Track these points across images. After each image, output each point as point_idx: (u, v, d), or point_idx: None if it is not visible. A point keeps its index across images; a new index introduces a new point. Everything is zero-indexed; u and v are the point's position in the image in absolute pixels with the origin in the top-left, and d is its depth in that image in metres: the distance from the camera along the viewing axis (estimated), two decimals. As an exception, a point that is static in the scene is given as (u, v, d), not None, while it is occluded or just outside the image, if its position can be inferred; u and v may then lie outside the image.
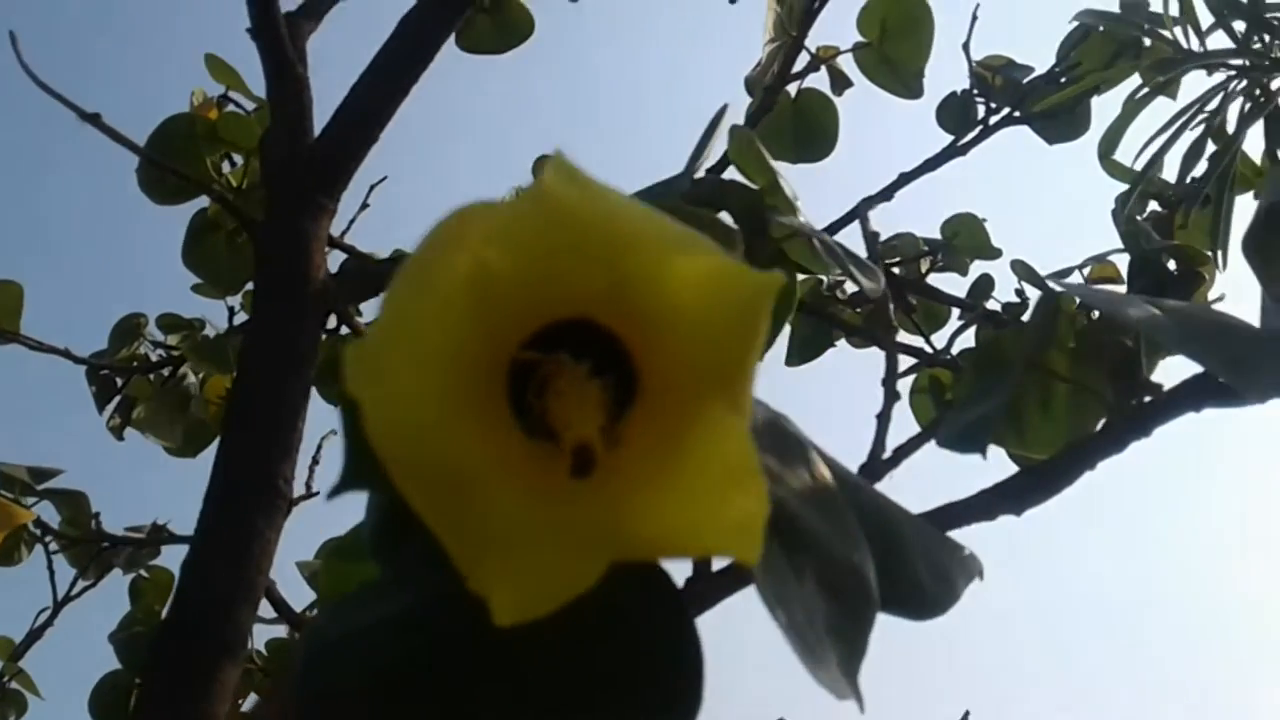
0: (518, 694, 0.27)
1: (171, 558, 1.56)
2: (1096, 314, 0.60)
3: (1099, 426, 0.64)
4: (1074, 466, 0.62)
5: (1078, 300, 0.61)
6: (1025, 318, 1.23)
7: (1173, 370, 0.63)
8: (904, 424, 0.83)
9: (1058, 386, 0.64)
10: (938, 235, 1.33)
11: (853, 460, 0.73)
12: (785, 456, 0.33)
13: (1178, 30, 0.99)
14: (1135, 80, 1.04)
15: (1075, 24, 1.22)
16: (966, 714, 1.13)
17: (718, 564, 0.64)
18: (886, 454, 0.73)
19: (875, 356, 1.35)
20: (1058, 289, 0.57)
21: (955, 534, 0.66)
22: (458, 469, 0.26)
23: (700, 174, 0.67)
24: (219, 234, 1.29)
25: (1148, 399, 0.61)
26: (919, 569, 0.36)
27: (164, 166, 1.15)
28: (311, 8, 1.13)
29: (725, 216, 0.70)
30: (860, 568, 0.32)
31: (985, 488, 0.65)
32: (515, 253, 0.26)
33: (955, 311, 1.32)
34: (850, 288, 1.38)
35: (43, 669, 1.69)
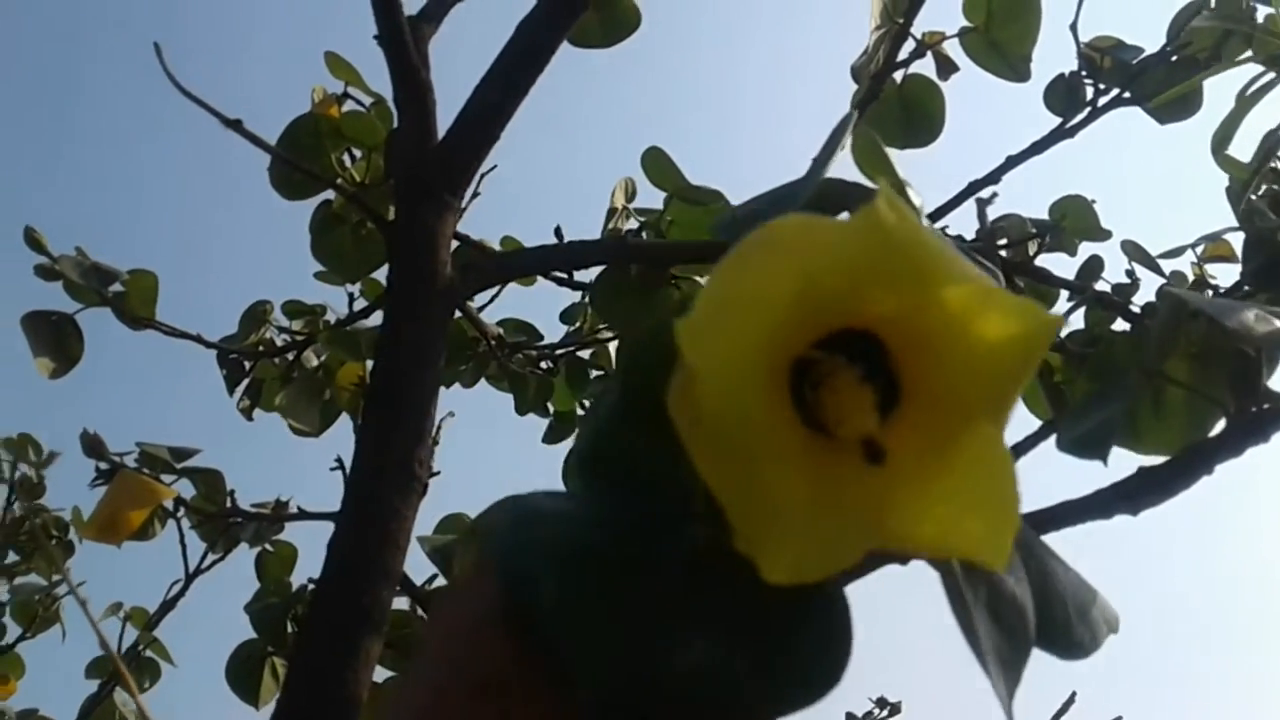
0: (680, 611, 0.30)
1: (294, 532, 1.64)
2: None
3: (1216, 430, 0.65)
4: (1192, 470, 0.63)
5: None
6: (1139, 308, 1.22)
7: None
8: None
9: (1174, 390, 0.65)
10: (1045, 216, 1.33)
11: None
12: None
13: None
14: (1248, 70, 1.03)
15: (1187, 1, 1.21)
16: (1072, 695, 1.15)
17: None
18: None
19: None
20: (1182, 296, 0.58)
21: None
22: (755, 440, 0.29)
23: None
24: (344, 226, 1.35)
25: (1266, 406, 0.62)
26: (1069, 610, 0.38)
27: (296, 166, 1.20)
28: (431, 11, 1.17)
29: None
30: (1022, 601, 0.34)
31: (1103, 487, 0.67)
32: (840, 268, 0.29)
33: (1064, 293, 1.31)
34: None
35: (173, 638, 1.78)
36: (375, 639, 0.90)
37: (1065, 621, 0.37)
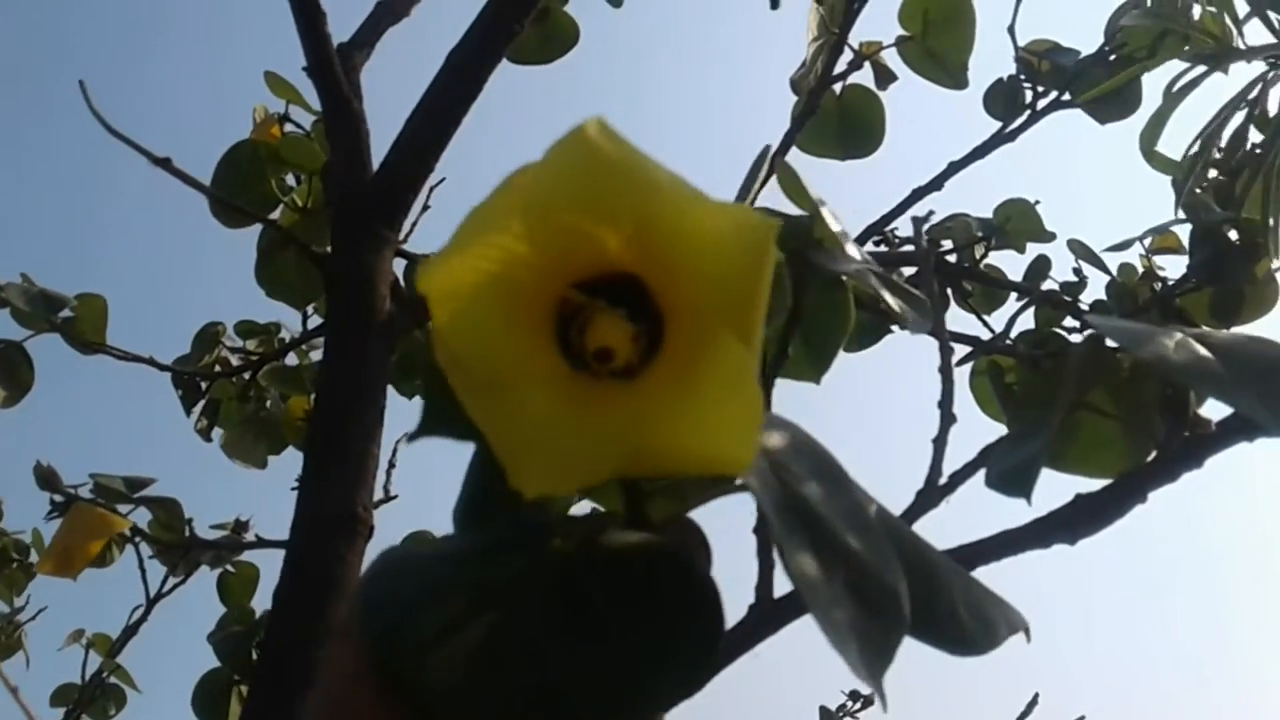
0: (555, 617, 0.31)
1: (255, 551, 1.63)
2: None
3: (1151, 456, 0.66)
4: (1125, 498, 0.63)
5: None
6: (1087, 305, 1.23)
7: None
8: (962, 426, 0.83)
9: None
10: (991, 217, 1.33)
11: (908, 483, 0.75)
12: (823, 479, 0.36)
13: (1213, 19, 0.98)
14: (1179, 65, 1.03)
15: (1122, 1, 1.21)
16: (1035, 696, 1.15)
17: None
18: (943, 479, 0.75)
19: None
20: (1099, 330, 0.58)
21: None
22: (503, 366, 0.30)
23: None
24: (288, 253, 1.33)
25: (1198, 431, 0.62)
26: (956, 605, 0.38)
27: (228, 203, 1.18)
28: (362, 38, 1.15)
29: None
30: (892, 586, 0.33)
31: (1039, 516, 0.67)
32: (560, 191, 0.30)
33: (1013, 294, 1.32)
34: (906, 271, 1.39)
35: (137, 664, 1.77)
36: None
37: (952, 615, 0.37)
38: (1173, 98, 0.99)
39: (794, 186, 0.72)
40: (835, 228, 0.69)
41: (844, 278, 0.71)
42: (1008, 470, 0.61)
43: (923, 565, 0.37)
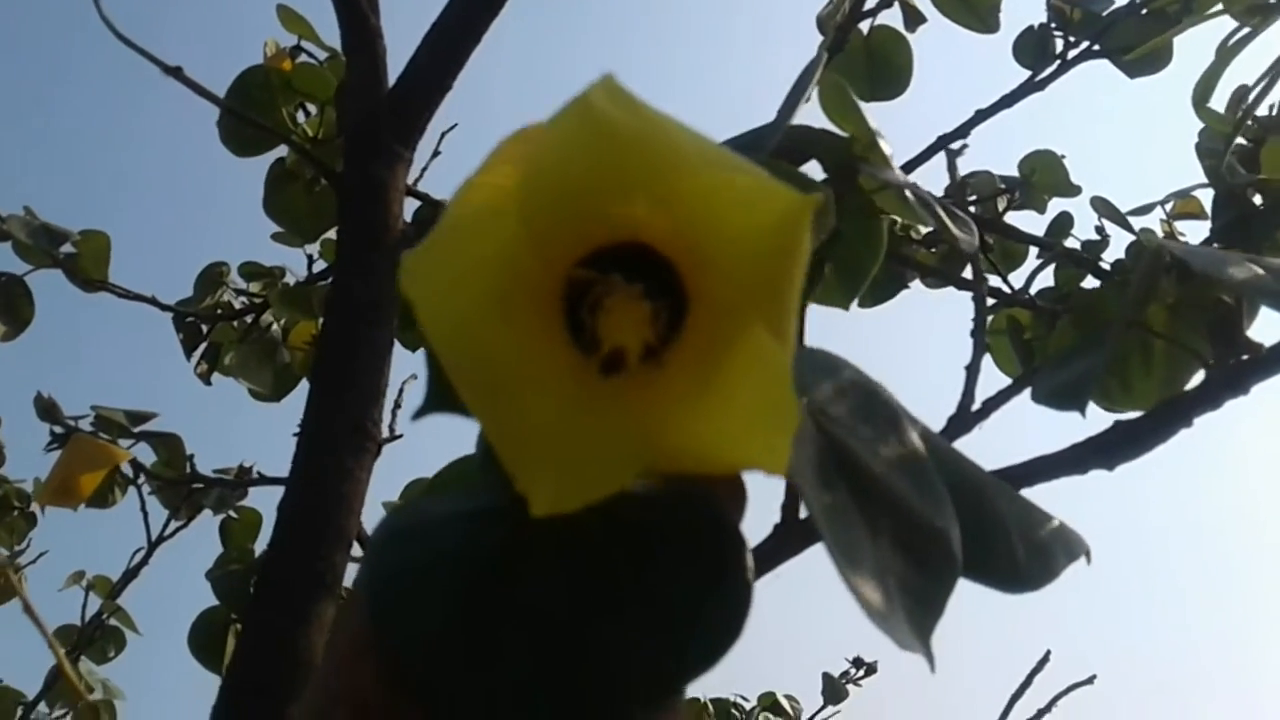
0: (567, 584, 0.28)
1: (258, 498, 1.61)
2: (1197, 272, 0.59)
3: (1195, 382, 0.64)
4: (1169, 423, 0.62)
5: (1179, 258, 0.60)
6: (1108, 261, 1.21)
7: (1272, 326, 0.63)
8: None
9: (1153, 342, 0.64)
10: (1015, 173, 1.31)
11: (938, 410, 0.74)
12: (874, 420, 0.34)
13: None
14: (1223, 22, 1.01)
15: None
16: (1047, 653, 1.14)
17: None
18: (975, 405, 0.74)
19: (947, 297, 1.34)
20: (1162, 245, 0.56)
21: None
22: (504, 369, 0.27)
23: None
24: (298, 183, 1.31)
25: (1245, 356, 0.60)
26: (1012, 541, 0.36)
27: (244, 118, 1.16)
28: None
29: (811, 167, 0.70)
30: (943, 532, 0.32)
31: (1078, 441, 0.65)
32: (561, 166, 0.26)
33: (1033, 250, 1.30)
34: (925, 228, 1.37)
35: (138, 607, 1.76)
36: (328, 602, 0.87)
37: (1008, 551, 0.35)
38: (1227, 52, 0.97)
39: (837, 104, 0.70)
40: (882, 147, 0.67)
41: (876, 205, 0.69)
42: (1060, 385, 0.59)
43: (977, 501, 0.35)
